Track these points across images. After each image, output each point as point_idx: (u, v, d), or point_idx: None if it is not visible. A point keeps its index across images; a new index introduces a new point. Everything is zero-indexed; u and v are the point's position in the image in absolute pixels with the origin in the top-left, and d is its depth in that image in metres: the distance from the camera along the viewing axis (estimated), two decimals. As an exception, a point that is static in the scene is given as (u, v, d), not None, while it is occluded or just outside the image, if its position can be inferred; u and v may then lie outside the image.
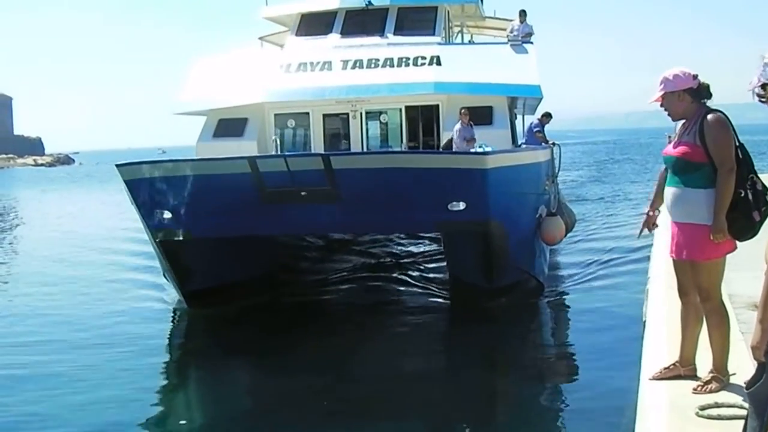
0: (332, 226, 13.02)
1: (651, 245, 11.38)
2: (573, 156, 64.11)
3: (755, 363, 3.11)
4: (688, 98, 4.93)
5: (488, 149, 12.89)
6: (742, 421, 3.28)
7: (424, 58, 15.74)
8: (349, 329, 12.21)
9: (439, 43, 16.54)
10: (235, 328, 12.31)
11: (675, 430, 4.38)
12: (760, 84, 3.20)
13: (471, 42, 21.96)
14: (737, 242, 4.90)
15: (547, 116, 16.84)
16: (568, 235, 15.07)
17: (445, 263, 13.52)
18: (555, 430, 8.06)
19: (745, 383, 3.15)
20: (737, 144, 4.84)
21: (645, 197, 18.42)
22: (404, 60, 15.72)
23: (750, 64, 3.28)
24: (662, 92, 4.96)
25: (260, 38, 20.49)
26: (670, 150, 5.02)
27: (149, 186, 11.80)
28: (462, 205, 11.15)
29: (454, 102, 15.25)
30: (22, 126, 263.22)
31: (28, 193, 53.91)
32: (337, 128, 16.35)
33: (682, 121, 5.03)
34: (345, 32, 16.70)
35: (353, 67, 15.77)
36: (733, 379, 4.86)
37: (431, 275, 15.09)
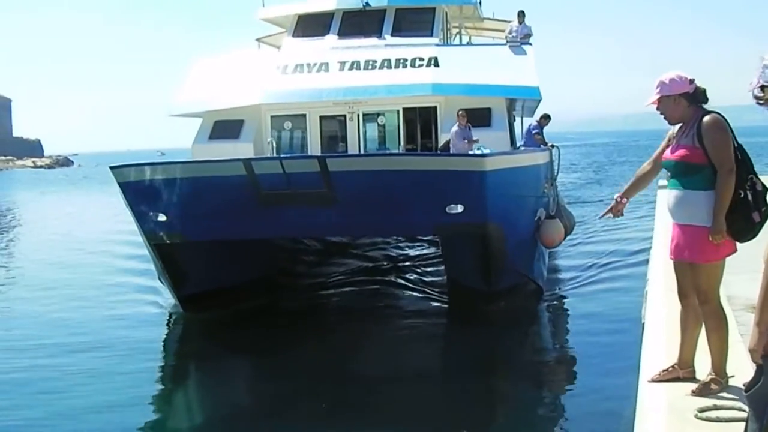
0: (329, 228, 12.91)
1: (650, 248, 11.35)
2: (572, 158, 64.20)
3: (754, 365, 3.07)
4: (685, 102, 4.91)
5: (486, 151, 12.82)
6: (742, 423, 3.25)
7: (421, 59, 15.61)
8: (347, 333, 12.15)
9: (437, 45, 16.42)
10: (231, 331, 12.24)
11: (674, 433, 4.34)
12: (759, 85, 3.16)
13: (469, 43, 21.92)
14: (737, 244, 4.88)
15: (546, 118, 16.81)
16: (567, 237, 15.01)
17: (443, 266, 13.46)
18: (554, 433, 8.03)
19: (743, 386, 3.11)
20: (736, 145, 4.82)
21: (644, 199, 18.37)
22: (402, 61, 15.59)
23: (749, 65, 3.24)
24: (658, 95, 4.95)
25: (257, 40, 20.43)
26: (668, 155, 5.01)
27: (143, 188, 11.65)
28: (460, 208, 11.07)
29: (452, 103, 15.13)
30: (22, 128, 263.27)
31: (27, 195, 53.91)
32: (334, 130, 16.23)
33: (679, 125, 5.00)
34: (342, 33, 16.60)
35: (350, 69, 15.63)
36: (732, 382, 4.84)
37: (429, 278, 15.04)
